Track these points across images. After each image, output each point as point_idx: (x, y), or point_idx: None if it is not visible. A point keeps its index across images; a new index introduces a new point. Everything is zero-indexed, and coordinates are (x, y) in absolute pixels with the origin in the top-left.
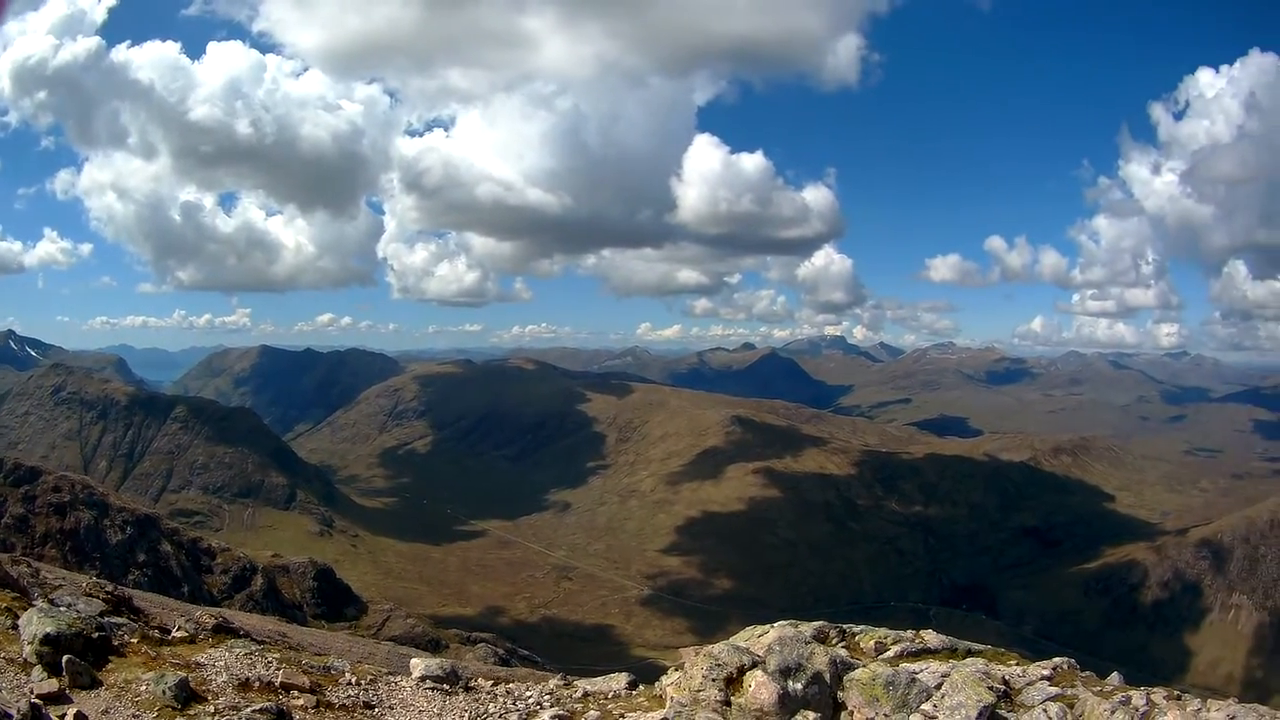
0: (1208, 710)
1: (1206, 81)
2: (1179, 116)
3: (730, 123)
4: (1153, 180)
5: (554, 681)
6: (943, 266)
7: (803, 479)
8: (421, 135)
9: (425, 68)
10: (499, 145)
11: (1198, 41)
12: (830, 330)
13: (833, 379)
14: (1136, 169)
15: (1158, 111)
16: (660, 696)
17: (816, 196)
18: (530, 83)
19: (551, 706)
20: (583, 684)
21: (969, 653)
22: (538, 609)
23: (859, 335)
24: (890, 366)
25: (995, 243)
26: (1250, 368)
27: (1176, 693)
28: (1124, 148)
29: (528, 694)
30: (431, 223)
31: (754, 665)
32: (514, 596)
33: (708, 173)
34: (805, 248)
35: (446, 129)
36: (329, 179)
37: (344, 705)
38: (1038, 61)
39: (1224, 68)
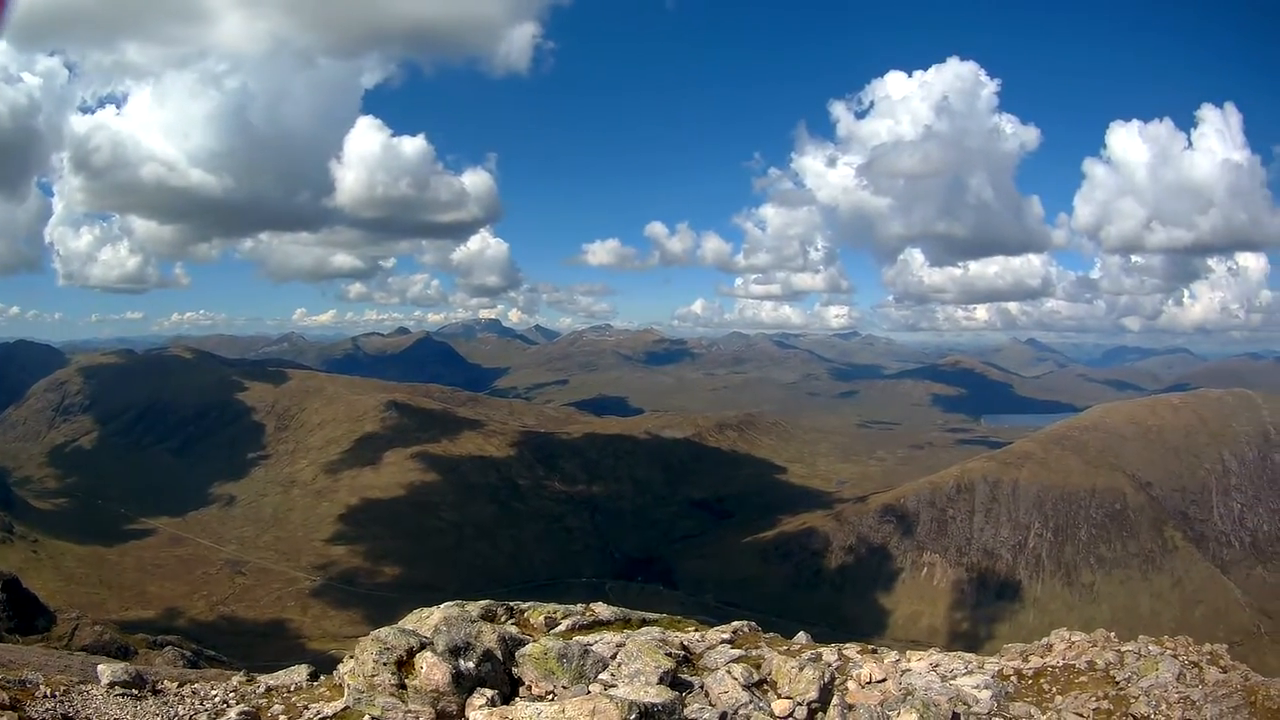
0: (907, 660)
1: (896, 84)
2: (861, 115)
3: (396, 106)
4: (827, 173)
5: (237, 679)
6: (601, 251)
7: (462, 462)
8: (94, 112)
9: (107, 40)
10: (167, 124)
11: (892, 46)
12: (485, 314)
13: (488, 362)
14: (811, 162)
15: (839, 109)
16: (340, 685)
17: (476, 181)
18: (204, 59)
19: (237, 704)
20: (265, 679)
21: (644, 622)
22: (216, 607)
23: (514, 318)
24: (547, 348)
25: (656, 228)
26: (927, 347)
27: (871, 647)
28: (800, 142)
29: (213, 693)
30: (98, 204)
31: (423, 647)
32: (192, 595)
33: (367, 156)
34: (462, 232)
35: (119, 106)
36: (1, 157)
37: (43, 719)
38: (717, 57)
39: (918, 73)
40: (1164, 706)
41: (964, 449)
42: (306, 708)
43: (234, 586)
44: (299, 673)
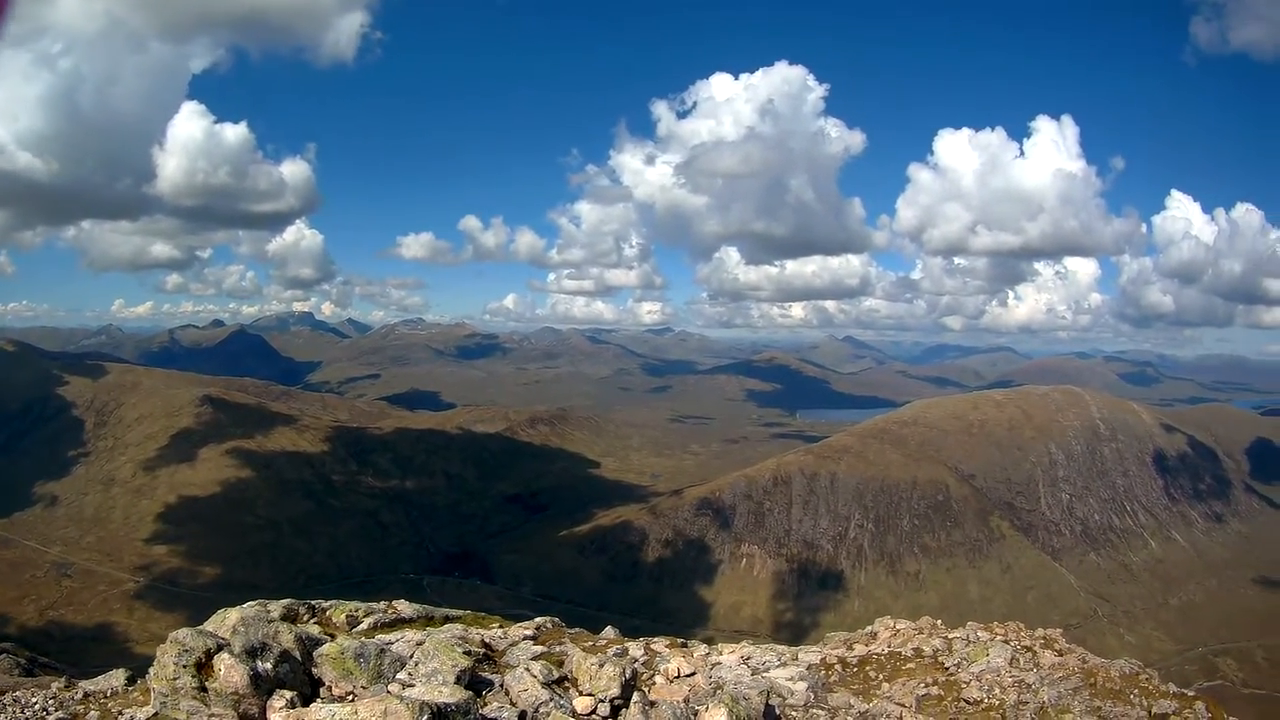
0: (719, 653)
1: (721, 85)
2: (684, 115)
3: (221, 92)
4: (646, 171)
5: (56, 685)
6: (415, 244)
7: (276, 457)
8: None
9: None
10: None
11: (720, 49)
12: (299, 306)
13: (301, 355)
14: (630, 159)
15: (661, 109)
16: (151, 689)
17: (294, 171)
18: (41, 38)
19: (56, 711)
20: (84, 685)
21: (447, 619)
22: (45, 611)
23: (327, 311)
24: (359, 342)
25: (470, 222)
26: (742, 343)
27: (680, 641)
28: (619, 139)
29: (33, 700)
30: None
31: (220, 648)
32: (21, 600)
33: (189, 143)
34: (278, 223)
35: None
36: None
37: None
38: (541, 53)
39: (744, 75)
40: (997, 690)
41: (780, 443)
42: (121, 713)
43: (61, 590)
44: (117, 677)
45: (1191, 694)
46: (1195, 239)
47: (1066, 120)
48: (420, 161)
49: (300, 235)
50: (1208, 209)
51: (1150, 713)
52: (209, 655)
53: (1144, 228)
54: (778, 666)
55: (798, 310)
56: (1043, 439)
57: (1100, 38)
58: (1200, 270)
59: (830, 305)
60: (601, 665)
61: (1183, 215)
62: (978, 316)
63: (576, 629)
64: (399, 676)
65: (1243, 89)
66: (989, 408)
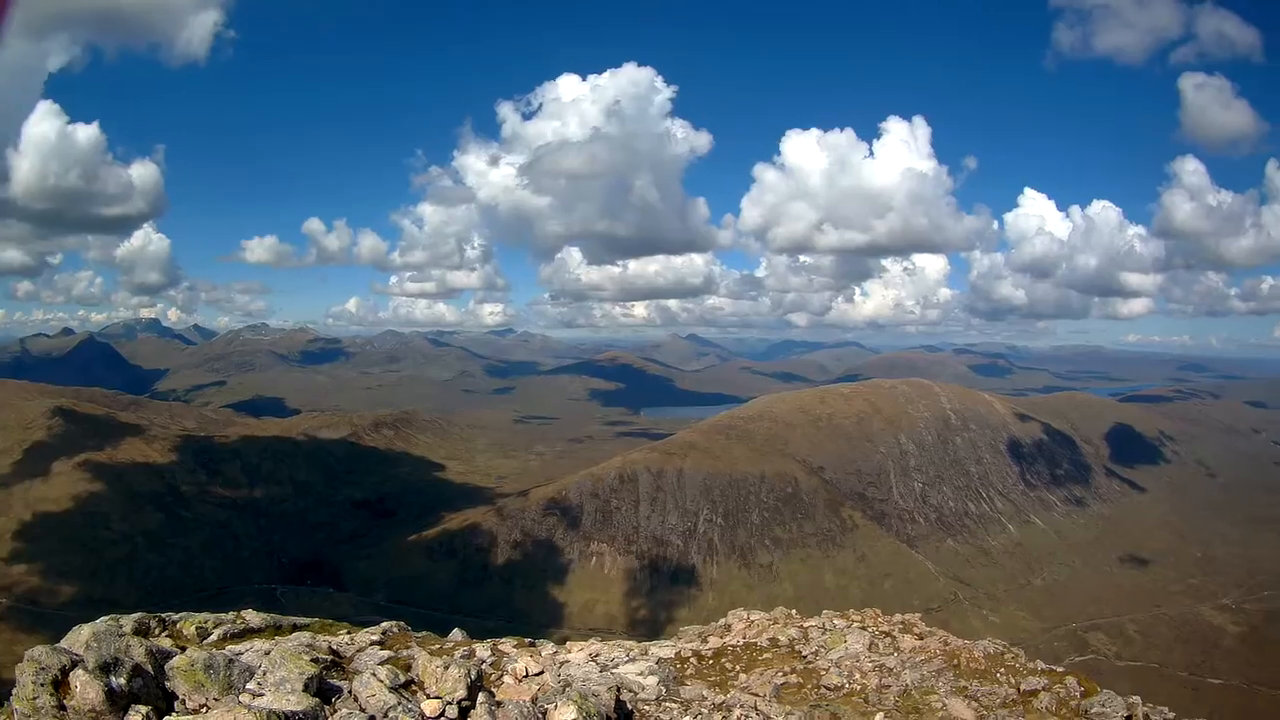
0: (567, 651)
1: (568, 87)
2: (529, 116)
3: (77, 92)
4: (489, 172)
5: None
6: (259, 248)
7: (127, 469)
8: None
9: None
10: None
11: (569, 50)
12: (145, 313)
13: (149, 363)
14: (474, 160)
15: (506, 110)
16: (13, 711)
17: (144, 173)
18: None
19: None
20: None
21: (295, 628)
22: None
23: (173, 317)
24: (204, 349)
25: (314, 225)
26: (584, 343)
27: (528, 640)
28: (463, 140)
29: None
30: None
31: (75, 665)
32: None
33: (43, 143)
34: (127, 227)
35: None
36: None
37: None
38: (390, 52)
39: (592, 76)
40: (858, 676)
41: (625, 441)
42: None
43: None
44: None
45: (1061, 670)
46: (1049, 235)
47: (919, 121)
48: (266, 163)
49: (148, 240)
50: (1063, 206)
51: (1019, 690)
52: (64, 672)
53: (996, 224)
54: (627, 662)
55: (640, 310)
56: (892, 430)
57: (958, 42)
58: (1054, 265)
59: (673, 304)
60: (447, 667)
61: (1036, 212)
62: (823, 313)
63: (424, 632)
64: (249, 686)
65: (1106, 92)
66: (836, 401)
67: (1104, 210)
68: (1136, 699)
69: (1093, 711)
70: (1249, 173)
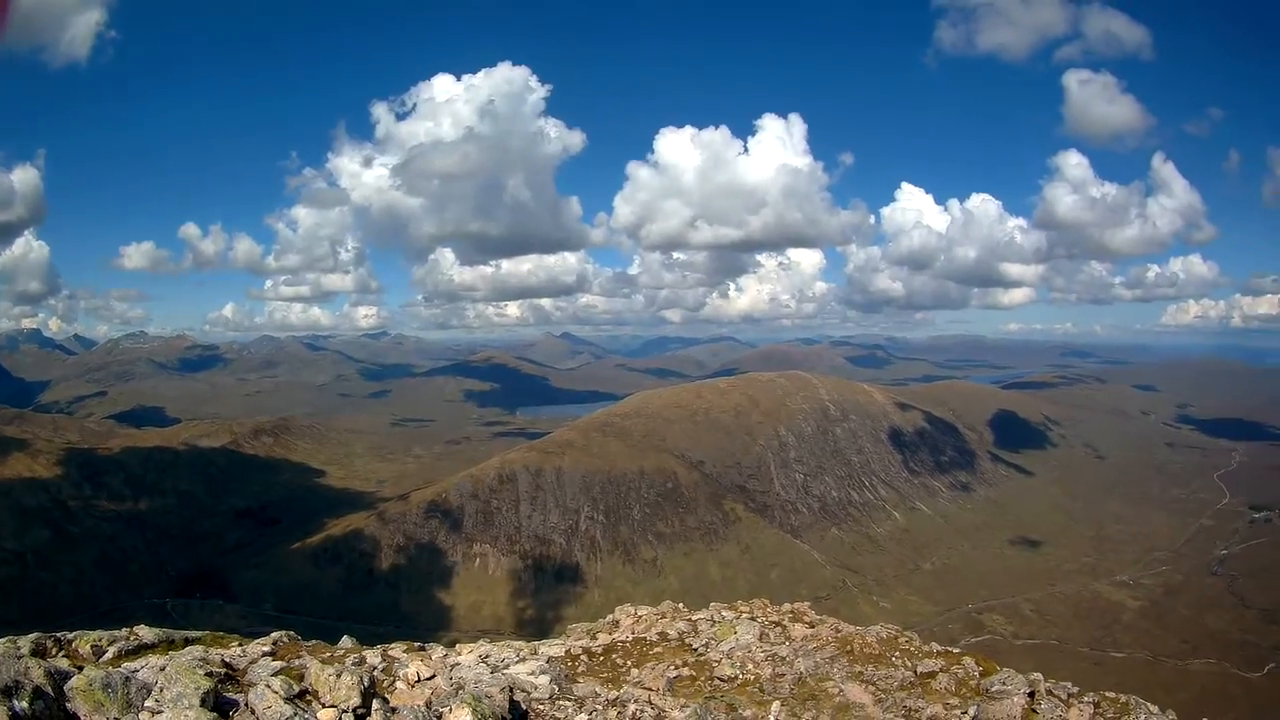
0: (457, 654)
1: (443, 86)
2: (403, 117)
3: None
4: (363, 173)
5: None
6: (137, 254)
7: (15, 485)
8: None
9: None
10: None
11: (444, 50)
12: (27, 323)
13: (31, 375)
14: (347, 162)
15: (380, 110)
16: None
17: (25, 179)
18: None
19: None
20: None
21: (187, 642)
22: None
23: (54, 327)
24: (84, 359)
25: (190, 230)
26: (458, 343)
27: (418, 645)
28: (337, 142)
29: None
30: None
31: None
32: None
33: None
34: (7, 234)
35: None
36: None
37: None
38: (264, 55)
39: (467, 76)
40: (750, 666)
41: (502, 442)
42: None
43: None
44: None
45: (958, 650)
46: (927, 228)
47: (795, 118)
48: (144, 167)
49: (28, 248)
50: (941, 200)
51: (916, 672)
52: None
53: (872, 219)
54: (517, 663)
55: (513, 309)
56: (771, 423)
57: (838, 41)
58: (932, 257)
59: (547, 303)
60: (339, 675)
61: (914, 206)
62: (698, 309)
63: (314, 641)
64: (147, 704)
65: (988, 89)
66: (713, 396)
67: (983, 203)
68: (1038, 675)
69: (994, 690)
70: (1135, 166)
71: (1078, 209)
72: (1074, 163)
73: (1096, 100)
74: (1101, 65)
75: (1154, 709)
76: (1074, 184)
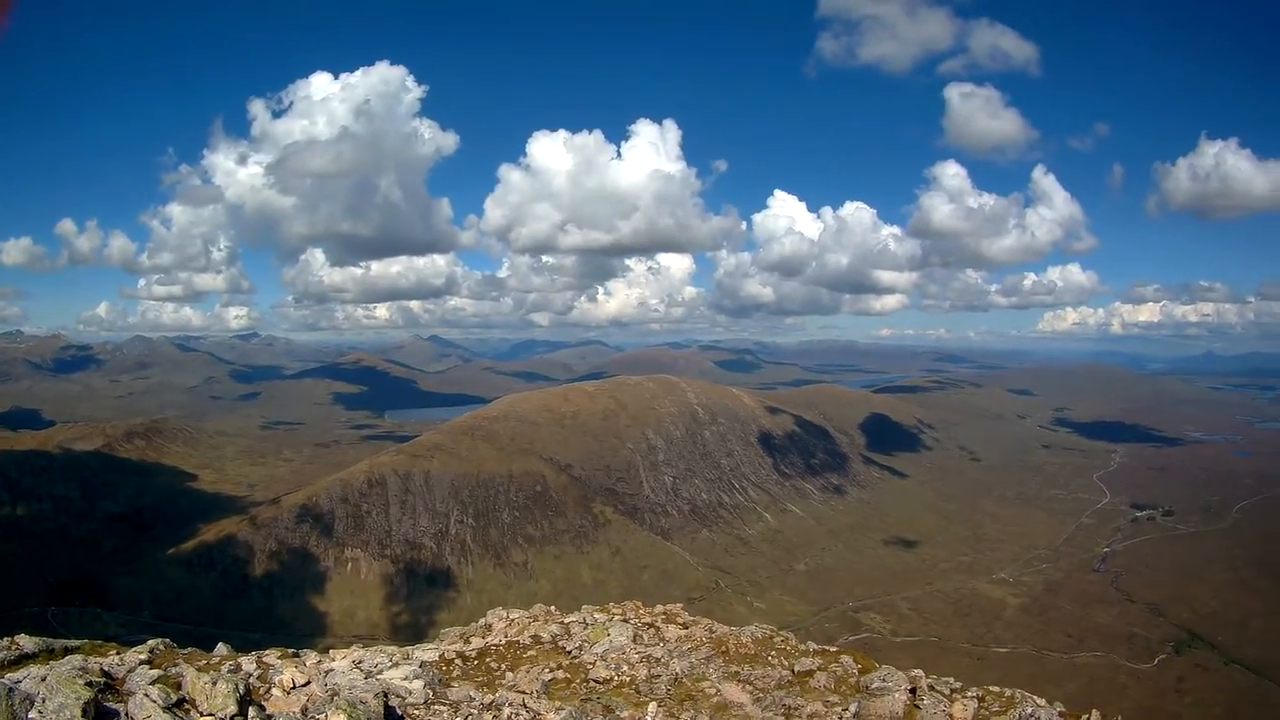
0: (330, 660)
1: (320, 85)
2: (280, 114)
3: None
4: (238, 171)
5: None
6: (14, 250)
7: None
8: None
9: None
10: None
11: (323, 48)
12: None
13: None
14: (223, 160)
15: (257, 107)
16: None
17: None
18: None
19: None
20: None
21: (66, 651)
22: None
23: None
24: None
25: (67, 226)
26: (326, 345)
27: (292, 651)
28: (214, 138)
29: None
30: None
31: None
32: None
33: None
34: None
35: None
36: None
37: None
38: (142, 48)
39: (344, 75)
40: (625, 668)
41: (371, 445)
42: None
43: None
44: None
45: (835, 649)
46: (799, 235)
47: (669, 124)
48: (21, 162)
49: None
50: (815, 208)
51: (794, 671)
52: None
53: (744, 225)
54: (390, 668)
55: (382, 311)
56: (639, 426)
57: (716, 49)
58: (804, 263)
59: (415, 305)
60: (215, 683)
61: (786, 213)
62: (566, 312)
63: (190, 649)
64: (30, 716)
65: (867, 100)
66: (581, 399)
67: (857, 211)
68: (919, 672)
69: (874, 687)
70: (1015, 177)
71: (954, 218)
72: (952, 173)
73: (978, 113)
74: (986, 79)
75: (1040, 701)
76: (951, 194)
